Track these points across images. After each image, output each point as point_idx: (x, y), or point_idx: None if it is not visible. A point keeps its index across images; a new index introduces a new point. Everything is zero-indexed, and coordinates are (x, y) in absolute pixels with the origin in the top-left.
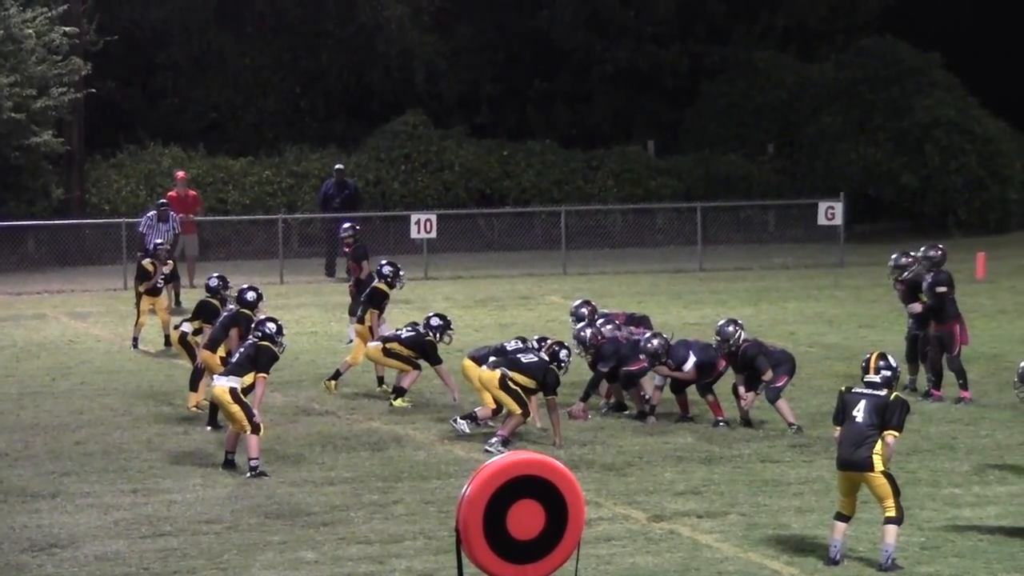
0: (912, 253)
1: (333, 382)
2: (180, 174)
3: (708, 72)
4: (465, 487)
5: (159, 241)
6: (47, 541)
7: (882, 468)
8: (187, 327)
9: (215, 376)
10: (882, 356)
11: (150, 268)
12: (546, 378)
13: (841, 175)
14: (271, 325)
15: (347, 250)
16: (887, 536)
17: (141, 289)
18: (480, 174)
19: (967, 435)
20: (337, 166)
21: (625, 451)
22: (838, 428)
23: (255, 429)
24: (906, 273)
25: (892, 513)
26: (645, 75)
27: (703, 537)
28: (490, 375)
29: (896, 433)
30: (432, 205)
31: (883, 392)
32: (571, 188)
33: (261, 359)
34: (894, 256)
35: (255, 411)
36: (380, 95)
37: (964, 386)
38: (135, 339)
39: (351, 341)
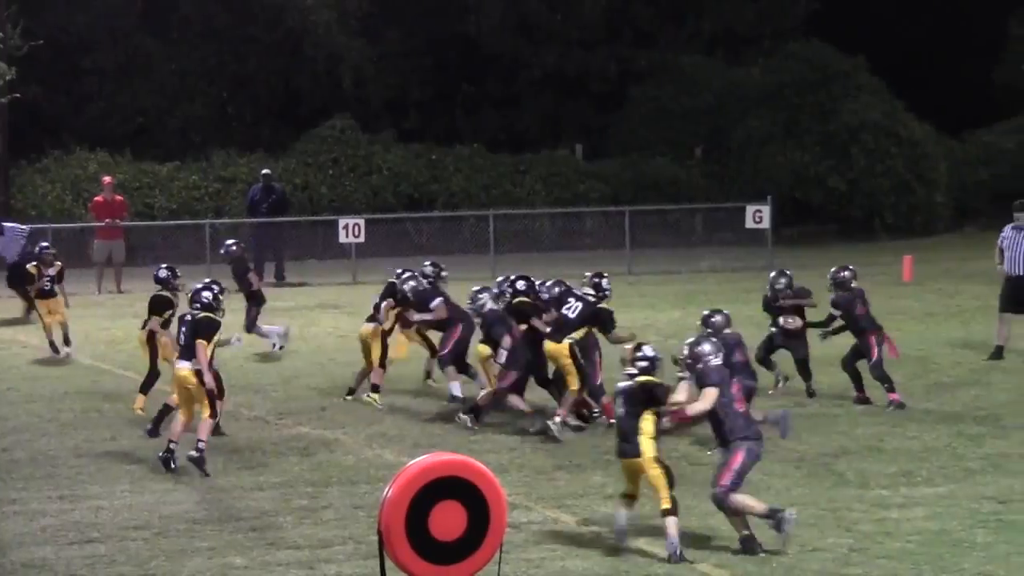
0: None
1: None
2: (107, 179)
3: (636, 76)
4: (387, 489)
5: (44, 244)
6: None
7: (653, 454)
8: (155, 324)
9: (177, 361)
10: (638, 348)
11: (34, 272)
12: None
13: (769, 178)
14: (207, 294)
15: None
16: (668, 529)
17: (32, 293)
18: (408, 178)
19: (894, 437)
20: (264, 171)
21: (554, 454)
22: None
23: (213, 414)
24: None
25: (667, 505)
26: (572, 79)
27: (632, 541)
28: (557, 347)
29: (653, 413)
30: (360, 209)
31: (630, 381)
32: (499, 192)
33: (201, 329)
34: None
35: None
36: (308, 99)
37: (891, 389)
38: (51, 343)
39: (281, 347)
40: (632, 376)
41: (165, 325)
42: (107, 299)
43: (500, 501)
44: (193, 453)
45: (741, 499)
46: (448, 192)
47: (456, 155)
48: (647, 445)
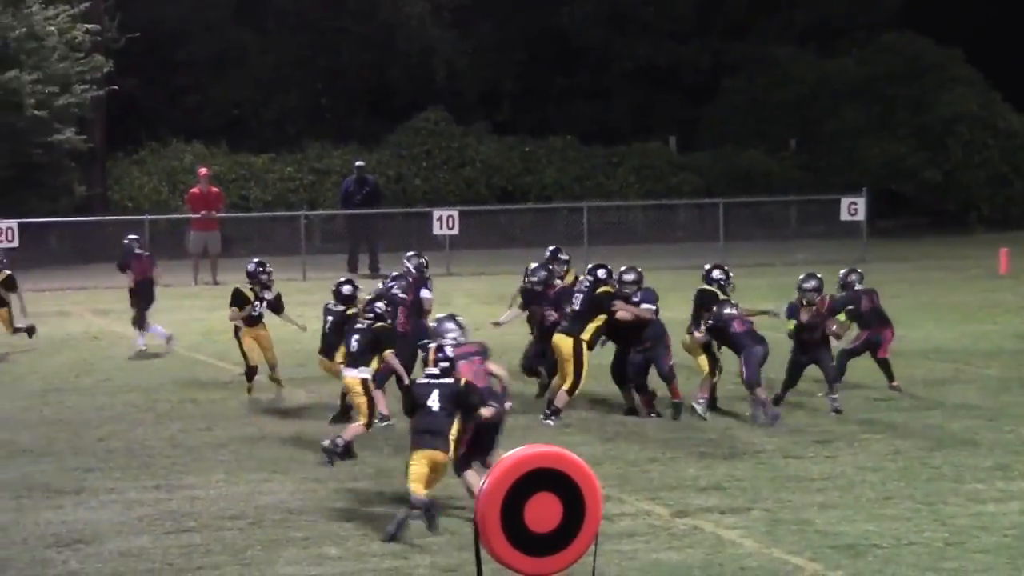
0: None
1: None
2: (202, 171)
3: (728, 68)
4: (483, 480)
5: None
6: (71, 537)
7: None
8: (234, 315)
9: (344, 367)
10: (440, 349)
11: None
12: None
13: (863, 171)
14: (379, 305)
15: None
16: (413, 496)
17: None
18: (501, 171)
19: (990, 431)
20: (357, 163)
21: (647, 447)
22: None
23: (369, 424)
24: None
25: (432, 498)
26: (665, 71)
27: (726, 533)
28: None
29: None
30: (454, 202)
31: (451, 380)
32: (592, 184)
33: (383, 339)
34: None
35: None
36: (401, 92)
37: (831, 389)
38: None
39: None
40: (435, 375)
41: (251, 319)
42: (203, 290)
43: (595, 493)
44: (327, 443)
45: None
46: (541, 184)
47: (549, 147)
48: (453, 446)
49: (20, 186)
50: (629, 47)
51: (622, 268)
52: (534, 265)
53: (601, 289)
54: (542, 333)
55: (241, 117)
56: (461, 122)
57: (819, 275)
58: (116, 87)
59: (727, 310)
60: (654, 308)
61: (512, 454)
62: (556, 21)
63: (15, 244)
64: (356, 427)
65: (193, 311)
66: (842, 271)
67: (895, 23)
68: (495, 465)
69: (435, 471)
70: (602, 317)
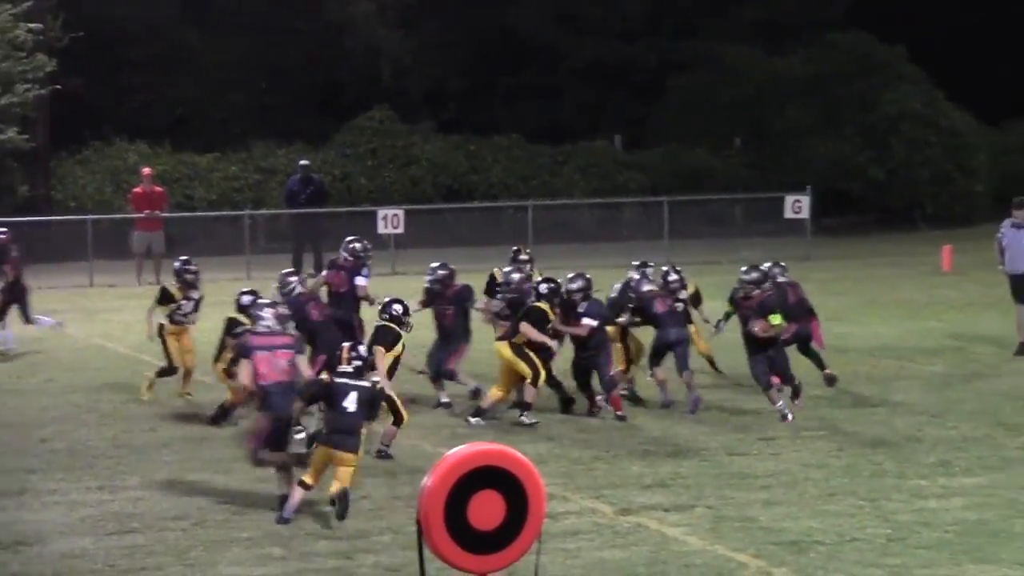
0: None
1: None
2: (146, 170)
3: (676, 67)
4: (426, 478)
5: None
6: (13, 539)
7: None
8: (156, 313)
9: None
10: (353, 348)
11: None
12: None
13: (808, 169)
14: (397, 307)
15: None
16: (294, 497)
17: None
18: (447, 169)
19: (933, 427)
20: (302, 161)
21: (592, 445)
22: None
23: (397, 421)
24: (756, 290)
25: (345, 487)
26: (613, 70)
27: (670, 530)
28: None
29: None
30: (399, 200)
31: (368, 383)
32: (538, 183)
33: (382, 336)
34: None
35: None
36: (347, 91)
37: (769, 385)
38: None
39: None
40: (350, 375)
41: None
42: (147, 290)
43: (539, 491)
44: (383, 448)
45: None
46: (487, 183)
47: (495, 146)
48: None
49: None
50: (577, 46)
51: (570, 275)
52: (435, 264)
53: (536, 304)
54: (443, 333)
55: (186, 116)
56: (407, 121)
57: (762, 268)
58: (60, 86)
59: (646, 287)
60: (594, 324)
61: (456, 452)
62: (504, 20)
63: None
64: (390, 429)
65: (137, 311)
66: (765, 265)
67: (842, 22)
68: (438, 463)
69: (342, 465)
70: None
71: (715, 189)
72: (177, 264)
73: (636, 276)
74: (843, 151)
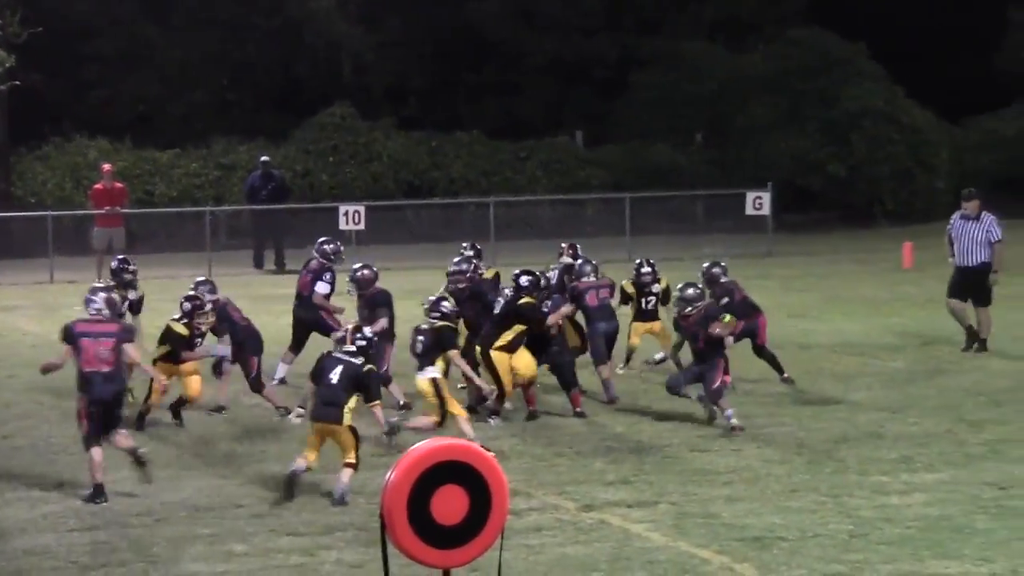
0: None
1: None
2: (106, 167)
3: (637, 63)
4: (389, 473)
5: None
6: None
7: (349, 423)
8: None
9: (417, 372)
10: (358, 329)
11: None
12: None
13: (770, 165)
14: (446, 305)
15: None
16: (342, 477)
17: None
18: (409, 166)
19: (895, 423)
20: (263, 158)
21: (555, 441)
22: (312, 384)
23: (441, 422)
24: (690, 308)
25: (351, 460)
26: (574, 66)
27: (633, 527)
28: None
29: (378, 403)
30: (361, 197)
31: (358, 361)
32: (500, 179)
33: (445, 340)
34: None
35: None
36: (308, 87)
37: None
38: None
39: None
40: (351, 353)
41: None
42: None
43: (502, 486)
44: (393, 426)
45: None
46: (448, 179)
47: (456, 142)
48: (347, 417)
49: None
50: (538, 42)
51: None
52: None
53: (524, 300)
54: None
55: (147, 113)
56: (368, 117)
57: (699, 286)
58: (19, 82)
59: (586, 278)
60: (570, 309)
61: (419, 446)
62: (465, 16)
63: None
64: (427, 422)
65: None
66: (704, 264)
67: (803, 18)
68: (401, 457)
69: (334, 438)
70: (520, 327)
71: (677, 186)
72: (114, 263)
73: (573, 263)
74: (804, 147)
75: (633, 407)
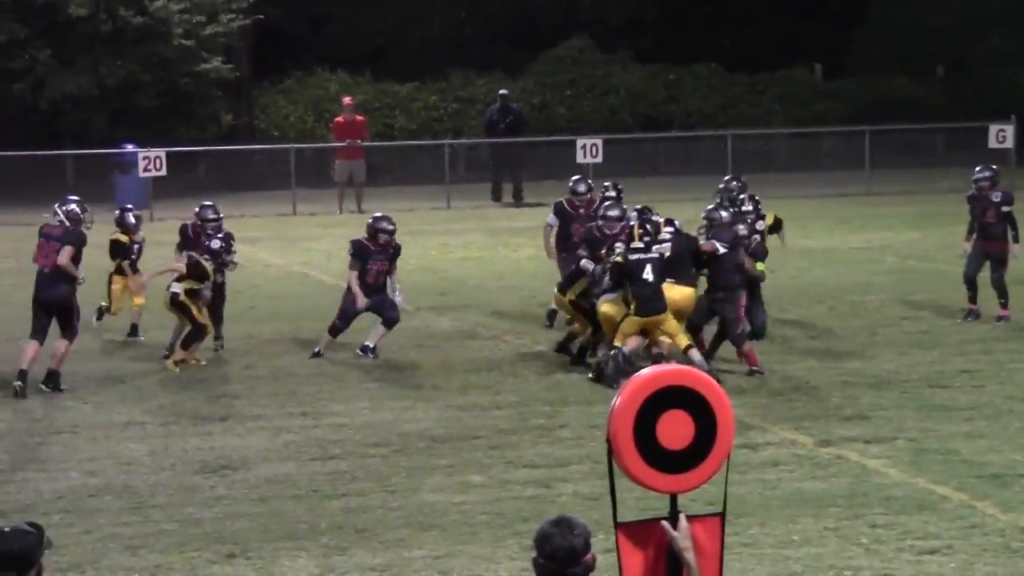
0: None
1: None
2: (347, 99)
3: None
4: (615, 398)
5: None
6: (219, 463)
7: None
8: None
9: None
10: (641, 225)
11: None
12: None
13: (1012, 97)
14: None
15: None
16: (693, 356)
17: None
18: (645, 98)
19: None
20: (501, 91)
21: (791, 376)
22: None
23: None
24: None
25: (689, 342)
26: None
27: (871, 462)
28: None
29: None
30: (598, 130)
31: (655, 254)
32: (736, 112)
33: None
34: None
35: None
36: (544, 20)
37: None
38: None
39: None
40: (642, 250)
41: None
42: (348, 218)
43: (727, 411)
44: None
45: None
46: (685, 112)
47: (693, 75)
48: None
49: (168, 115)
50: None
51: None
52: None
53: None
54: None
55: (384, 46)
56: (605, 50)
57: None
58: (261, 16)
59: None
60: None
61: (644, 372)
62: None
63: (163, 173)
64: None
65: (338, 240)
66: (720, 184)
67: None
68: (627, 383)
69: (661, 327)
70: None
71: (916, 119)
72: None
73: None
74: None
75: (872, 341)
